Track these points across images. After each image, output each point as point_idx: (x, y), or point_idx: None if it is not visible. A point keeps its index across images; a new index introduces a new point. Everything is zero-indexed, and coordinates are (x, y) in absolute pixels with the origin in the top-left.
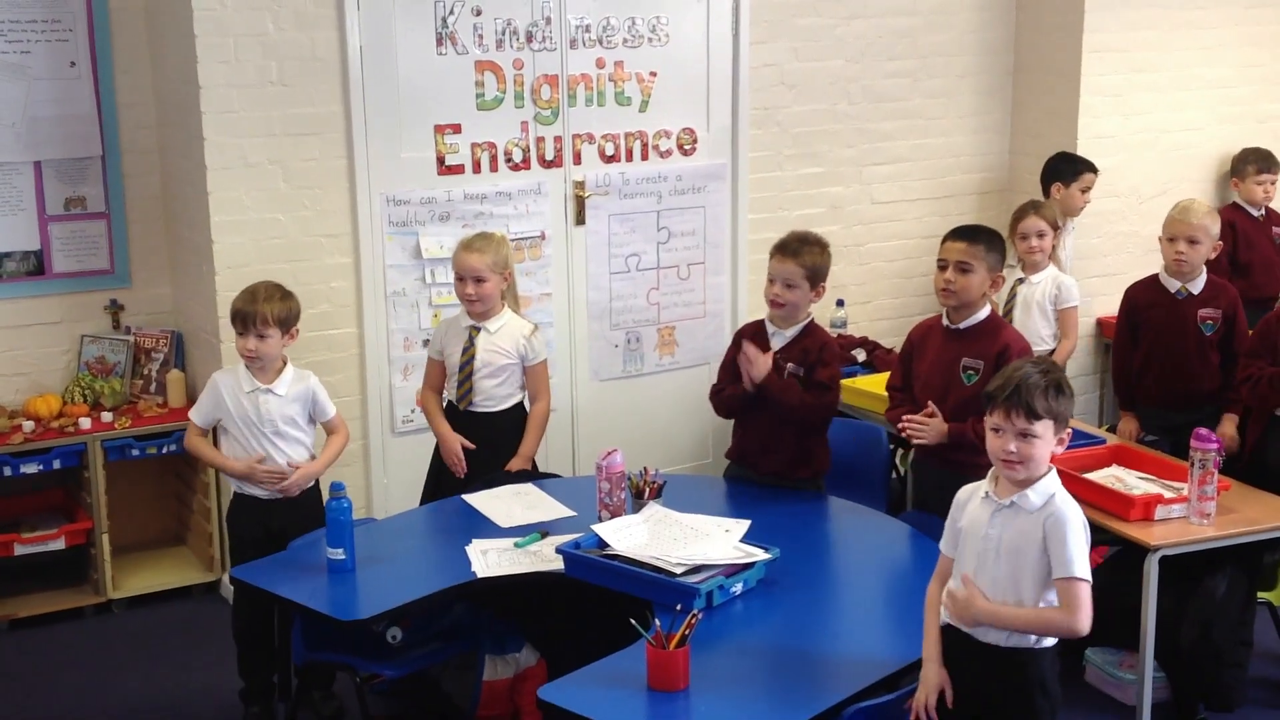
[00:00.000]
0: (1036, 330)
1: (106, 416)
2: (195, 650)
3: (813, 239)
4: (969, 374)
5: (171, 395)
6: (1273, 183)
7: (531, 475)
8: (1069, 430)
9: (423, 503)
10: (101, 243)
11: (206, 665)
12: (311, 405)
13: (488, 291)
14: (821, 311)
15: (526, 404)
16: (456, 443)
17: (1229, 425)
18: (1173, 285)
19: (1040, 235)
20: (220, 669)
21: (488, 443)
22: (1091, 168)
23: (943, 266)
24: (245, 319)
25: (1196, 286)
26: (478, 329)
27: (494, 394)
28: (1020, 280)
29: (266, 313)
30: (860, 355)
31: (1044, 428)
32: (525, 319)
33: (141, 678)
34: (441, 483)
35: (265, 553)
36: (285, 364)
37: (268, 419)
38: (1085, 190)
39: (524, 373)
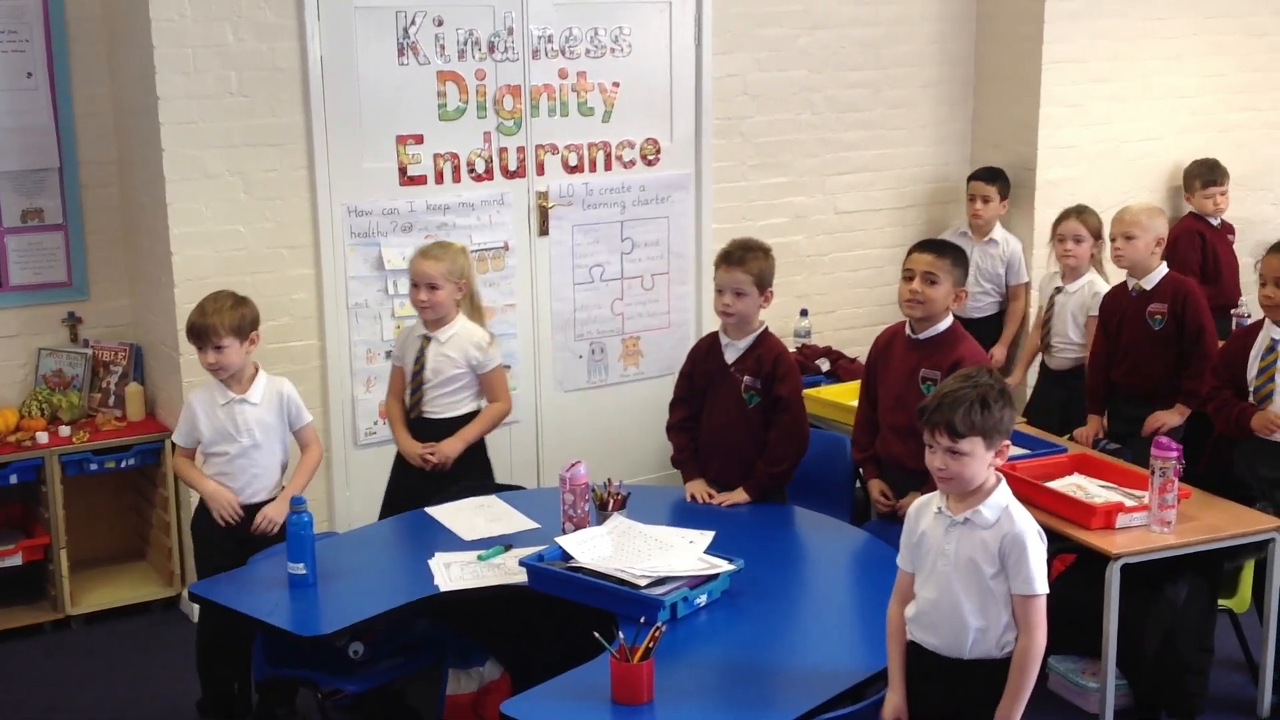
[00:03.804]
0: (1069, 339)
1: (64, 430)
2: (155, 666)
3: (755, 245)
4: (927, 384)
5: (130, 409)
6: (1222, 194)
7: (465, 474)
8: (1007, 443)
9: (382, 516)
10: (59, 255)
11: (167, 681)
12: (288, 411)
13: (440, 299)
14: (785, 322)
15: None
16: (416, 449)
17: (1174, 415)
18: (1131, 284)
19: (1077, 240)
20: (180, 685)
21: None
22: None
23: (909, 277)
24: (199, 333)
25: (1149, 283)
26: (429, 338)
27: (441, 403)
28: (1058, 290)
29: (217, 324)
30: (824, 365)
31: (970, 445)
32: (484, 329)
33: (101, 694)
34: (399, 496)
35: (232, 560)
36: (257, 371)
37: (245, 429)
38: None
39: (478, 381)
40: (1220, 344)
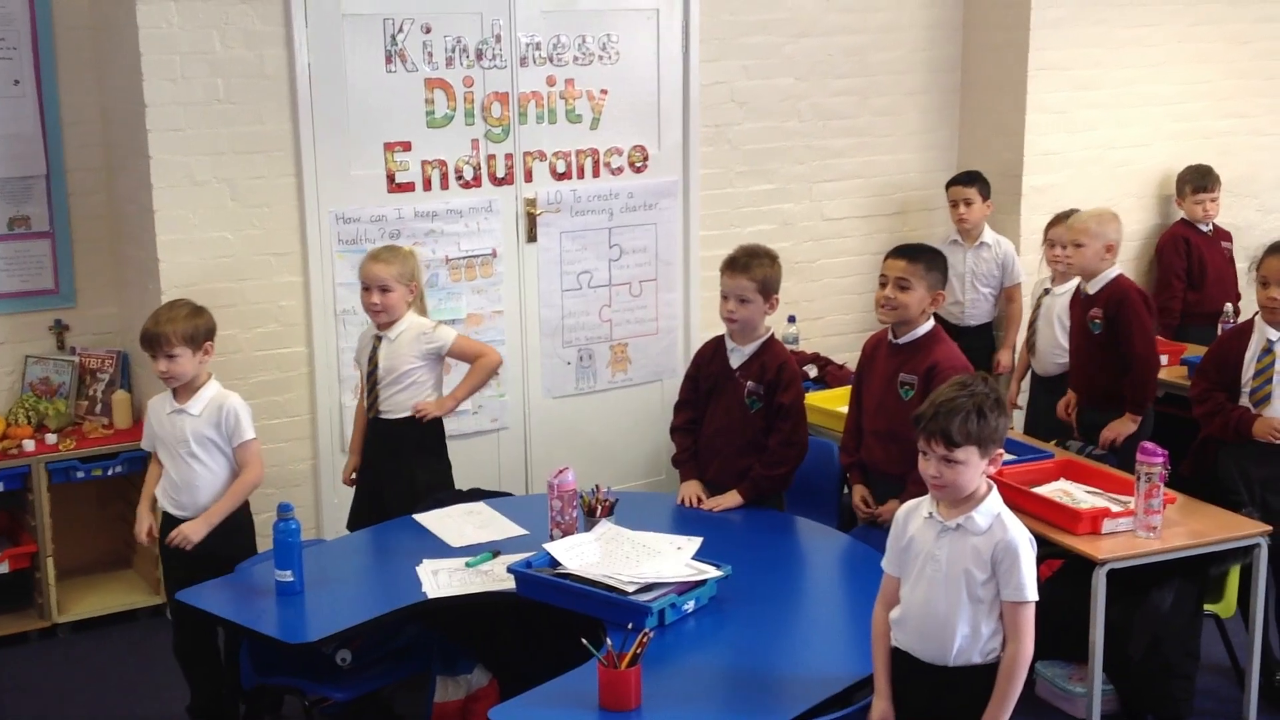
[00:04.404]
0: (1056, 342)
1: (51, 438)
2: (143, 674)
3: (761, 251)
4: (905, 389)
5: (117, 416)
6: (1212, 200)
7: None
8: (1000, 451)
9: (350, 518)
10: (46, 262)
11: (154, 689)
12: (225, 425)
13: (393, 301)
14: (774, 327)
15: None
16: (348, 469)
17: (1127, 424)
18: (1081, 287)
19: (1064, 246)
20: (168, 693)
21: (392, 450)
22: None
23: (883, 283)
24: (151, 341)
25: (1093, 288)
26: (380, 338)
27: (397, 400)
28: (1046, 291)
29: (170, 332)
30: (812, 371)
31: (966, 453)
32: (428, 319)
33: (88, 703)
34: (363, 489)
35: (191, 570)
36: (208, 381)
37: (181, 439)
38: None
39: (442, 363)
40: (1205, 350)
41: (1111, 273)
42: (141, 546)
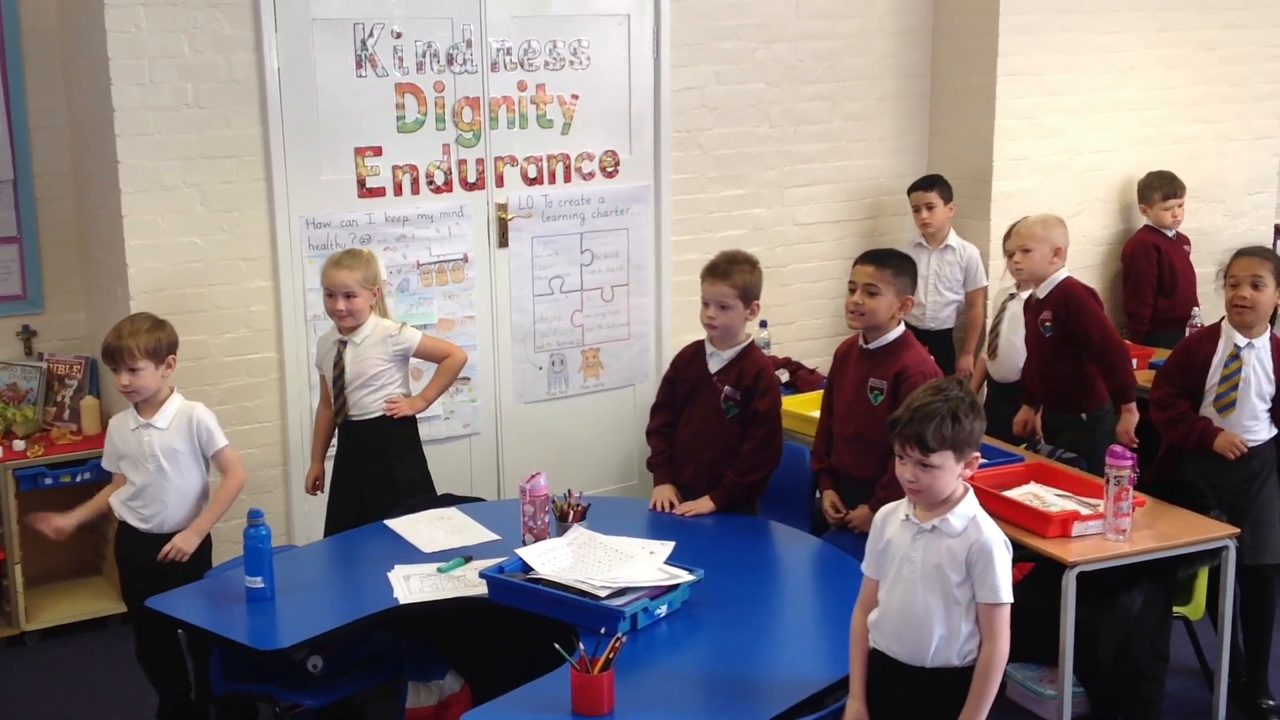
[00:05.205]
0: (1017, 348)
1: (18, 445)
2: (112, 681)
3: (742, 258)
4: (875, 394)
5: (86, 422)
6: (1180, 205)
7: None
8: (976, 454)
9: (328, 518)
10: (13, 268)
11: (123, 697)
12: (198, 437)
13: (358, 307)
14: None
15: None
16: (312, 476)
17: (1130, 416)
18: (1029, 292)
19: (1012, 254)
20: (137, 701)
21: (365, 450)
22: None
23: (852, 289)
24: (113, 355)
25: (1042, 292)
26: (344, 343)
27: (366, 402)
28: (1011, 296)
29: (133, 346)
30: (784, 376)
31: (941, 458)
32: (389, 319)
33: (57, 711)
34: (341, 488)
35: (153, 581)
36: (170, 394)
37: (151, 455)
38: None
39: (408, 363)
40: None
41: (1059, 276)
42: (111, 554)
